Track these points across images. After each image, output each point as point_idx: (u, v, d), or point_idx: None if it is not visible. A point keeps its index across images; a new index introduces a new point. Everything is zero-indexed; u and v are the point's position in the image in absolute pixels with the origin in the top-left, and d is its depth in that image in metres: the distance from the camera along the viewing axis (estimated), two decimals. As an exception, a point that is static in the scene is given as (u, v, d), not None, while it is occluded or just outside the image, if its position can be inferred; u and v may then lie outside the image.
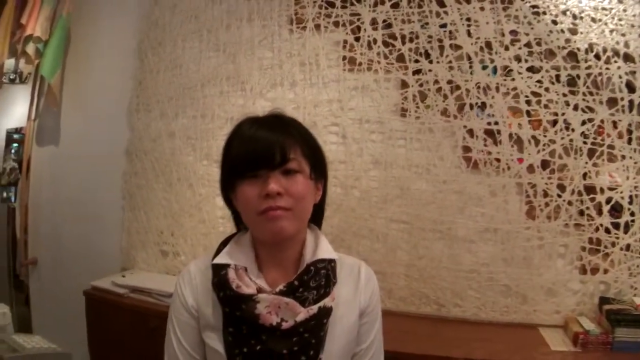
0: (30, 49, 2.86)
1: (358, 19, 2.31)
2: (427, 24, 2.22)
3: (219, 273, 1.03)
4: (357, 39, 2.31)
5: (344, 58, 2.34)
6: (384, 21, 2.27)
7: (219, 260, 1.05)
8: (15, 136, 3.42)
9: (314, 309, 0.99)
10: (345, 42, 2.33)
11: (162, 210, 2.65)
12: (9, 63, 3.15)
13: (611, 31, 2.09)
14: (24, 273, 3.13)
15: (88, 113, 2.89)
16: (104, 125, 2.82)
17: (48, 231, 3.02)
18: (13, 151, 3.41)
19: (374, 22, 2.29)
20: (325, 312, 1.01)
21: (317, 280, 1.03)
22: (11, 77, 3.29)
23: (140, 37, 2.72)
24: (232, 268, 1.03)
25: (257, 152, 0.99)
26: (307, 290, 1.01)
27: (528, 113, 2.15)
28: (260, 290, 1.01)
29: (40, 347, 1.45)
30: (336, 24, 2.34)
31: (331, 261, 1.07)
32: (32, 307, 3.09)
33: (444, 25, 2.21)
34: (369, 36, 2.29)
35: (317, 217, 1.14)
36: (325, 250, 1.08)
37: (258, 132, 1.02)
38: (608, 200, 2.10)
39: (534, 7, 2.14)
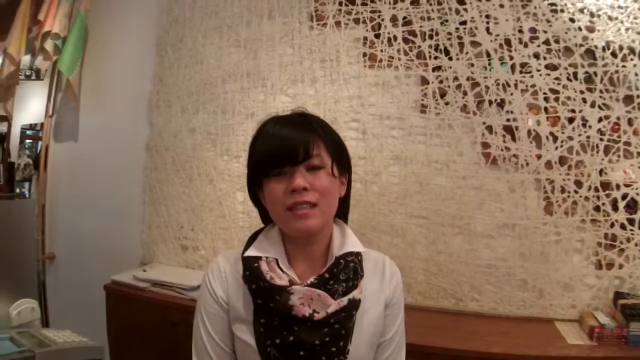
0: (49, 45, 2.89)
1: (378, 16, 2.34)
2: (446, 21, 2.25)
3: (251, 265, 1.05)
4: (377, 36, 2.33)
5: (364, 55, 2.37)
6: (404, 18, 2.30)
7: (251, 252, 1.08)
8: (29, 132, 3.44)
9: (344, 300, 1.02)
10: (366, 38, 2.36)
11: (183, 204, 2.68)
12: (25, 59, 3.17)
13: (627, 29, 2.11)
14: (41, 268, 3.15)
15: (107, 109, 2.93)
16: (123, 121, 2.86)
17: (67, 226, 3.06)
18: (27, 147, 3.44)
19: (394, 19, 2.31)
20: (354, 304, 1.04)
21: (346, 273, 1.05)
22: (27, 73, 3.32)
23: (159, 33, 2.76)
24: (264, 260, 1.06)
25: (282, 149, 1.02)
26: (337, 283, 1.04)
27: (546, 110, 2.17)
28: (291, 282, 1.03)
29: (72, 340, 1.46)
30: (356, 20, 2.37)
31: (358, 254, 1.10)
32: (49, 302, 3.12)
33: (463, 22, 2.23)
34: (389, 33, 2.31)
35: (342, 211, 1.17)
36: (353, 243, 1.11)
37: (282, 130, 1.05)
38: (624, 197, 2.12)
39: (552, 4, 2.16)
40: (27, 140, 3.48)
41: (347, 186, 1.15)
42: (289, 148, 1.02)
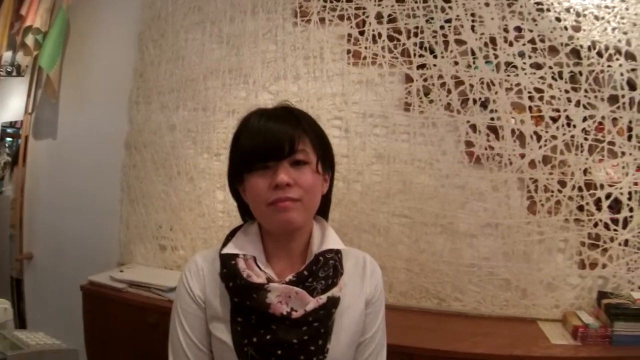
0: (30, 40, 2.85)
1: (363, 13, 2.31)
2: (432, 18, 2.24)
3: (228, 263, 1.03)
4: (362, 33, 2.31)
5: (349, 52, 2.34)
6: (389, 15, 2.28)
7: (228, 250, 1.05)
8: (9, 130, 3.39)
9: (323, 298, 1.00)
10: (350, 35, 2.34)
11: (162, 203, 2.63)
12: (6, 55, 3.13)
13: (613, 29, 2.12)
14: (18, 268, 3.08)
15: (87, 105, 2.87)
16: (102, 117, 2.81)
17: (45, 225, 3.01)
18: (7, 145, 3.38)
19: (379, 16, 2.29)
20: (334, 302, 1.02)
21: (325, 270, 1.03)
22: (8, 69, 3.27)
23: (141, 28, 2.71)
24: (241, 258, 1.03)
25: (267, 144, 1.00)
26: (316, 280, 1.02)
27: (530, 109, 2.17)
28: (269, 280, 1.01)
29: (45, 343, 1.41)
30: (341, 17, 2.35)
31: (338, 252, 1.08)
32: (27, 302, 3.05)
33: (448, 21, 2.22)
34: (373, 30, 2.29)
35: (323, 209, 1.14)
36: (333, 241, 1.09)
37: (267, 124, 1.02)
38: (608, 196, 2.12)
39: (538, 3, 2.15)
40: (8, 139, 3.42)
41: (330, 184, 1.13)
42: (274, 142, 0.99)
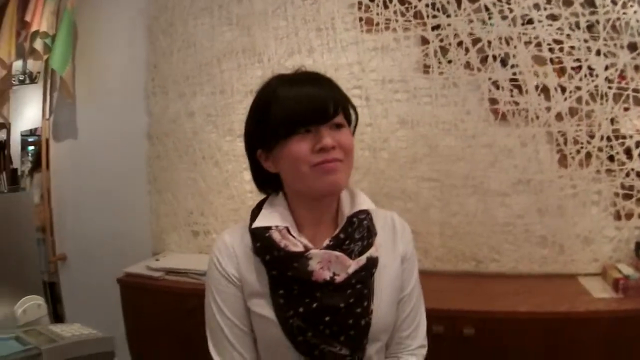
0: (38, 44, 2.85)
1: (372, -22, 2.27)
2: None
3: (261, 236, 1.01)
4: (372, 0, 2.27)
5: (361, 19, 2.31)
6: (399, -22, 2.23)
7: (259, 223, 1.03)
8: (30, 139, 3.40)
9: (363, 259, 0.99)
10: (360, 3, 2.30)
11: (189, 190, 2.65)
12: (17, 64, 3.14)
13: (626, -24, 2.06)
14: (52, 270, 3.11)
15: (103, 102, 2.88)
16: (120, 112, 2.81)
17: (75, 226, 3.03)
18: (29, 154, 3.40)
19: (388, -19, 2.25)
20: (373, 262, 1.01)
21: (360, 231, 1.02)
22: (20, 78, 3.29)
23: (149, 20, 2.70)
24: (274, 229, 1.01)
25: (311, 107, 0.97)
26: (353, 242, 1.00)
27: (551, 61, 2.11)
28: (306, 247, 0.99)
29: (81, 334, 1.40)
30: (350, -15, 2.31)
31: (368, 213, 1.07)
32: (65, 303, 3.09)
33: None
34: (383, -5, 2.25)
35: None
36: (364, 202, 1.08)
37: (303, 88, 1.00)
38: (637, 144, 2.06)
39: (549, -47, 2.09)
40: (30, 147, 3.44)
41: None
42: (318, 105, 0.97)
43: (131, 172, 2.78)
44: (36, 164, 3.20)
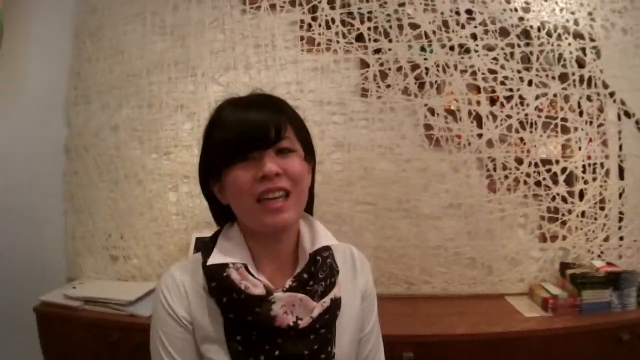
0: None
1: (315, -2, 2.26)
2: (385, 2, 2.21)
3: (218, 275, 0.91)
4: (315, 19, 2.26)
5: (302, 38, 2.28)
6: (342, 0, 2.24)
7: (215, 260, 0.93)
8: None
9: (327, 301, 0.93)
10: (302, 22, 2.28)
11: (109, 211, 2.42)
12: None
13: (561, 9, 2.21)
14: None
15: (20, 110, 2.60)
16: (38, 122, 2.53)
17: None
18: None
19: (331, 1, 2.24)
20: (337, 304, 0.95)
21: (324, 270, 0.96)
22: None
23: (77, 23, 2.49)
24: (232, 268, 0.92)
25: (250, 132, 0.90)
26: (317, 283, 0.94)
27: (485, 90, 2.20)
28: (267, 289, 0.91)
29: None
30: (292, 3, 2.27)
31: (329, 248, 1.01)
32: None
33: (402, 4, 2.21)
34: (326, 15, 2.24)
35: (308, 203, 1.04)
36: (325, 236, 1.01)
37: (247, 111, 0.93)
38: (563, 171, 2.19)
39: (487, -15, 2.18)
40: None
41: (312, 176, 1.04)
42: (258, 130, 0.90)
43: (45, 189, 2.49)
44: None
